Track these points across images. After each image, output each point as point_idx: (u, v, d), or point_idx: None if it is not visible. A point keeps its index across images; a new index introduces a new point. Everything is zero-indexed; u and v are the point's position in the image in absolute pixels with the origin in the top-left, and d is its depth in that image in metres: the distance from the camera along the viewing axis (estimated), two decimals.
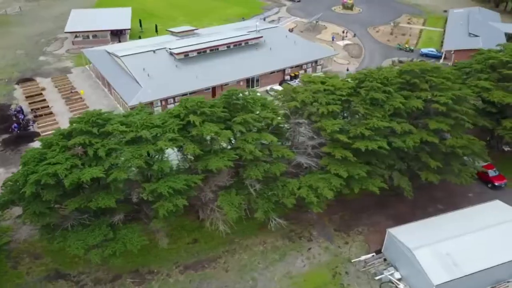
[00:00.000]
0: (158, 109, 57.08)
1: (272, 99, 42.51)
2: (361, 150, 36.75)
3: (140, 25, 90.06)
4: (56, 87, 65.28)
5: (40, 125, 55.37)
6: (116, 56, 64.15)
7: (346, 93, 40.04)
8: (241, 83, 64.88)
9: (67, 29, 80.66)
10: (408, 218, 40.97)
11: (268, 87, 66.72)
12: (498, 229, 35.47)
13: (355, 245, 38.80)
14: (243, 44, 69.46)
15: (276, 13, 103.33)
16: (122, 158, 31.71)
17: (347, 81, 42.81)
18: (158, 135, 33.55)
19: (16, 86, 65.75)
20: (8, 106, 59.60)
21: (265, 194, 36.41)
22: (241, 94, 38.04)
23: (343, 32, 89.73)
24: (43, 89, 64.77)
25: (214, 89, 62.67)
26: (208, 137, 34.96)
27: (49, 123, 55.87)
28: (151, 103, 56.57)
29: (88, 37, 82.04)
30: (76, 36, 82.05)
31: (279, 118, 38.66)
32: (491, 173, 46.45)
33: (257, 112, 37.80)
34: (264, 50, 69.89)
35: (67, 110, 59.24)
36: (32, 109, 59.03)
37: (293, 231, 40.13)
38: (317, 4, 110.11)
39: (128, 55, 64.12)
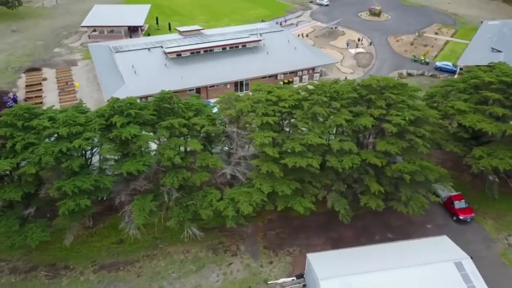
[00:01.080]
0: None
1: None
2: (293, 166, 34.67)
3: (157, 23, 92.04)
4: (56, 78, 68.41)
5: None
6: (112, 51, 66.03)
7: (289, 105, 37.92)
8: (228, 85, 64.03)
9: (84, 23, 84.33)
10: (349, 244, 38.13)
11: None
12: (428, 268, 31.77)
13: (279, 266, 36.65)
14: (240, 46, 68.60)
15: (298, 16, 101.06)
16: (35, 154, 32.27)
17: (299, 92, 40.60)
18: (78, 133, 33.81)
19: (22, 74, 69.79)
20: (7, 93, 63.28)
21: (184, 203, 35.46)
22: (175, 98, 37.39)
23: (358, 39, 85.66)
24: (45, 79, 68.17)
25: (198, 90, 62.37)
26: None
27: None
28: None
29: (103, 32, 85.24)
30: (94, 31, 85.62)
31: (213, 126, 37.41)
32: (458, 204, 41.83)
33: (192, 119, 36.93)
34: (261, 54, 68.54)
35: (58, 101, 61.80)
36: (25, 98, 62.31)
37: (222, 243, 38.77)
38: (344, 9, 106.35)
39: (122, 51, 65.81)
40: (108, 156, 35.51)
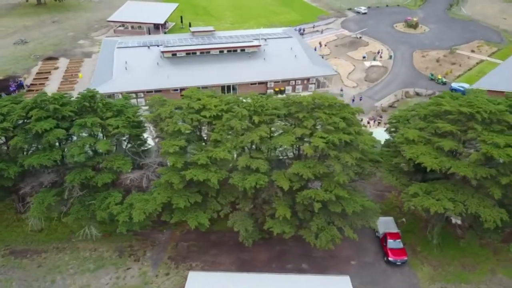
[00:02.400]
0: None
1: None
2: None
3: (181, 21, 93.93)
4: (67, 68, 72.78)
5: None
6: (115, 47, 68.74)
7: (211, 115, 36.51)
8: (214, 88, 63.39)
9: (110, 18, 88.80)
10: (257, 268, 36.06)
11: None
12: None
13: (174, 279, 35.47)
14: (238, 50, 67.68)
15: (328, 23, 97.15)
16: None
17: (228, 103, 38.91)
18: None
19: (40, 62, 75.23)
20: (16, 78, 68.45)
21: (86, 202, 35.76)
22: (99, 97, 37.79)
23: (378, 52, 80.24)
24: (56, 68, 72.86)
25: (182, 90, 62.47)
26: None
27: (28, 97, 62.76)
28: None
29: (128, 27, 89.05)
30: (121, 26, 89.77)
31: (128, 128, 37.13)
32: (391, 244, 37.28)
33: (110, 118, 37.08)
34: (258, 60, 67.03)
35: (57, 89, 65.66)
36: (30, 84, 67.10)
37: (131, 247, 38.56)
38: (381, 18, 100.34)
39: (123, 47, 68.19)
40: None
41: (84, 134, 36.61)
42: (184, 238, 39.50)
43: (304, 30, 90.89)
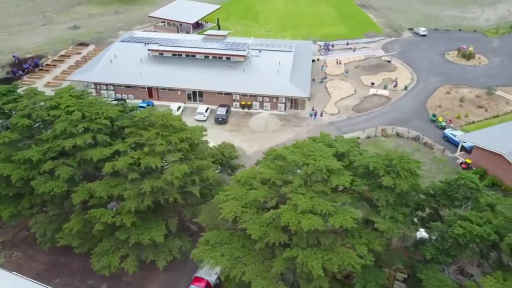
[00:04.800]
0: (92, 91, 63.97)
1: None
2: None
3: (217, 23, 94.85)
4: (86, 54, 79.93)
5: (28, 75, 71.09)
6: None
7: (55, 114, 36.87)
8: (179, 92, 63.21)
9: (151, 14, 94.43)
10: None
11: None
12: None
13: None
14: (224, 58, 66.10)
15: (368, 42, 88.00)
16: None
17: None
18: None
19: (70, 47, 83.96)
20: (42, 57, 77.36)
21: None
22: None
23: (394, 80, 70.20)
24: (79, 53, 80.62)
25: (150, 90, 63.79)
26: None
27: (35, 76, 70.97)
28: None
29: (165, 24, 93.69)
30: (162, 22, 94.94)
31: None
32: None
33: None
34: (237, 70, 64.49)
35: (62, 72, 72.83)
36: (45, 64, 75.56)
37: None
38: (437, 43, 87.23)
39: (124, 41, 72.17)
40: None
41: None
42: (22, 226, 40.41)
43: (332, 46, 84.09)
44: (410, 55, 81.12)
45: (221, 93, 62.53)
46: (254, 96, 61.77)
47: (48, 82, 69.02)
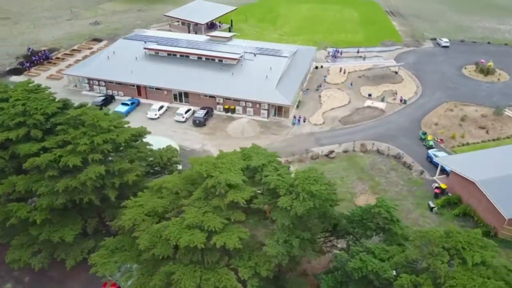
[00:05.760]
0: (85, 86, 65.91)
1: None
2: None
3: (231, 25, 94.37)
4: (97, 49, 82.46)
5: (36, 67, 74.37)
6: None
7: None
8: (165, 92, 63.30)
9: (167, 13, 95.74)
10: None
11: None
12: None
13: None
14: (216, 60, 65.57)
15: (381, 51, 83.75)
16: None
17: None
18: None
19: (84, 42, 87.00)
20: (48, 51, 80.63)
21: None
22: None
23: (394, 93, 66.21)
24: (90, 48, 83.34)
25: (139, 88, 64.41)
26: None
27: (42, 68, 74.10)
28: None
29: (180, 23, 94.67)
30: (177, 21, 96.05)
31: None
32: None
33: None
34: (226, 73, 63.68)
35: (67, 66, 75.54)
36: (55, 57, 78.72)
37: None
38: (458, 55, 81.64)
39: (126, 39, 73.67)
40: None
41: None
42: None
43: (341, 53, 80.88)
44: (423, 67, 76.32)
45: (206, 96, 61.90)
46: (237, 101, 60.54)
47: (50, 75, 71.82)
